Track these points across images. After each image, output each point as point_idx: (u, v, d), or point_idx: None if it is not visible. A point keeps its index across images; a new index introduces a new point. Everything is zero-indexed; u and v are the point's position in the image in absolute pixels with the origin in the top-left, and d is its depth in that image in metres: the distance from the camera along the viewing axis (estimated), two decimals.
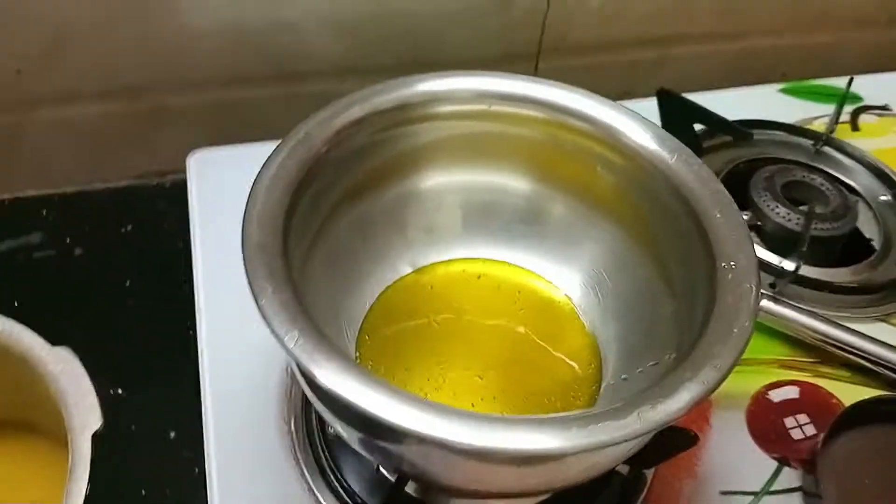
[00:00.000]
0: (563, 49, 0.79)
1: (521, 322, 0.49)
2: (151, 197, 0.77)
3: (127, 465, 0.57)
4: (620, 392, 0.45)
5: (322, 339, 0.33)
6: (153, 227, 0.74)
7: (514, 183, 0.48)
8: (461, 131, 0.46)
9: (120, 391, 0.62)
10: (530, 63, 0.80)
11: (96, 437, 0.43)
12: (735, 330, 0.36)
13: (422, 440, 0.31)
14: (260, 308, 0.34)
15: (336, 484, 0.46)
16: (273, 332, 0.33)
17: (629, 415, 0.32)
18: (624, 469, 0.48)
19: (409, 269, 0.49)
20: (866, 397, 0.50)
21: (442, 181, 0.47)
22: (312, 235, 0.43)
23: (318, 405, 0.38)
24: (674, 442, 0.45)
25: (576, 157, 0.45)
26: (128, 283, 0.69)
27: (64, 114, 0.71)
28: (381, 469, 0.45)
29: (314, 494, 0.45)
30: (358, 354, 0.45)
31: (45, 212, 0.73)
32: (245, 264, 0.35)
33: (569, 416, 0.32)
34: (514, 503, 0.44)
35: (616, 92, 0.76)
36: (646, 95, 0.69)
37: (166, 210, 0.75)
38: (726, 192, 0.42)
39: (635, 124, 0.44)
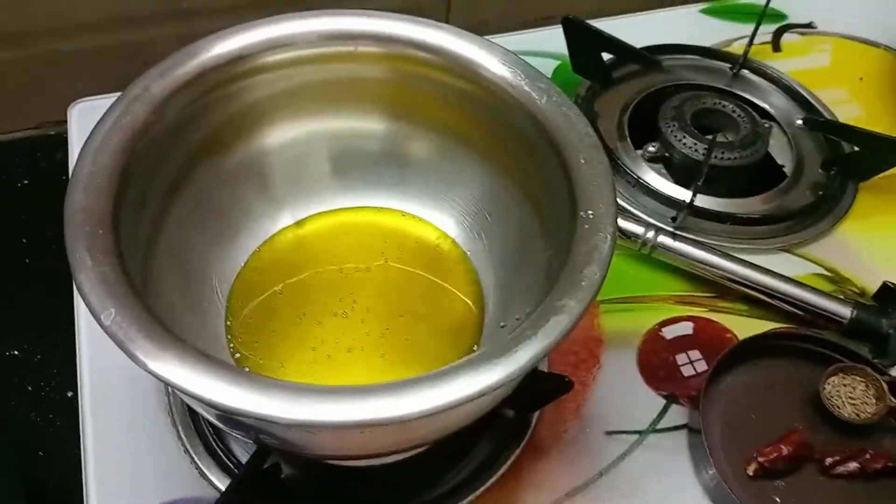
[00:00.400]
0: None
1: (406, 267, 0.48)
2: (49, 148, 0.74)
3: (23, 424, 0.57)
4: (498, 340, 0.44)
5: (143, 314, 0.32)
6: (51, 180, 0.71)
7: (375, 126, 0.46)
8: (311, 77, 0.43)
9: (16, 352, 0.61)
10: None
11: None
12: (583, 282, 0.35)
13: (239, 414, 0.30)
14: (77, 283, 0.32)
15: (215, 447, 0.45)
16: (89, 307, 0.31)
17: (461, 377, 0.31)
18: (510, 413, 0.48)
19: (283, 224, 0.48)
20: (755, 334, 0.50)
21: (301, 131, 0.45)
22: (167, 195, 0.41)
23: None
24: (551, 388, 0.44)
25: (433, 93, 0.43)
26: (24, 241, 0.67)
27: None
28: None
29: (191, 456, 0.45)
30: (229, 314, 0.44)
31: None
32: (65, 233, 0.33)
33: (401, 382, 0.31)
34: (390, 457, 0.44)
35: (537, 17, 0.74)
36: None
37: (65, 161, 0.73)
38: (594, 136, 0.40)
39: (498, 60, 0.42)
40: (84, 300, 0.32)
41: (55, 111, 0.73)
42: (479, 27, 0.69)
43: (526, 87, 0.42)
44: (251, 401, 0.29)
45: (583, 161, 0.39)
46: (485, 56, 0.42)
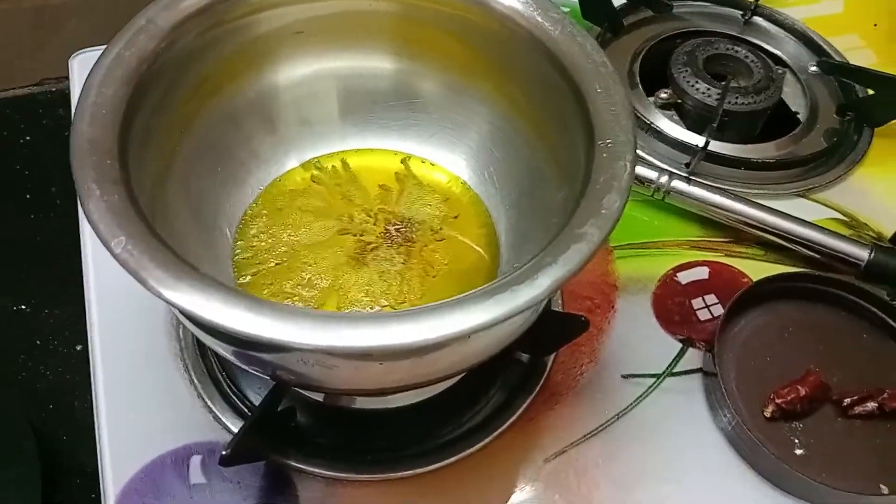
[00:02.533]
0: None
1: (417, 209, 0.47)
2: (51, 104, 0.73)
3: (33, 378, 0.57)
4: None
5: (154, 242, 0.31)
6: (54, 135, 0.71)
7: (383, 64, 0.45)
8: (319, 13, 0.42)
9: (24, 307, 0.60)
10: None
11: None
12: (603, 210, 0.34)
13: (258, 342, 0.29)
14: (86, 211, 0.31)
15: (228, 391, 0.44)
16: (98, 235, 0.31)
17: (485, 302, 0.31)
18: (524, 357, 0.48)
19: (291, 165, 0.47)
20: (768, 275, 0.49)
21: (309, 70, 0.44)
22: (175, 129, 0.40)
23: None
24: (567, 328, 0.44)
25: (444, 28, 0.42)
26: (28, 196, 0.67)
27: None
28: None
29: (204, 401, 0.44)
30: (236, 252, 0.43)
31: None
32: (72, 164, 0.32)
33: (423, 308, 0.31)
34: (403, 396, 0.43)
35: None
36: None
37: (67, 116, 0.72)
38: (610, 66, 0.39)
39: None
40: (93, 228, 0.31)
41: (56, 68, 0.72)
42: None
43: (538, 18, 0.41)
44: (271, 327, 0.28)
45: (599, 90, 0.38)
46: None
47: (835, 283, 0.50)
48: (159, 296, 0.30)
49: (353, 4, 0.42)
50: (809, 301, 0.50)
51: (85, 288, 0.48)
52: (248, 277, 0.43)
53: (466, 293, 0.32)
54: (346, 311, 0.40)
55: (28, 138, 0.68)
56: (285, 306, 0.30)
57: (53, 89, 0.71)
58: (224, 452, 0.36)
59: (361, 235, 0.46)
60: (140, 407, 0.44)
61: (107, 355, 0.46)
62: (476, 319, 0.30)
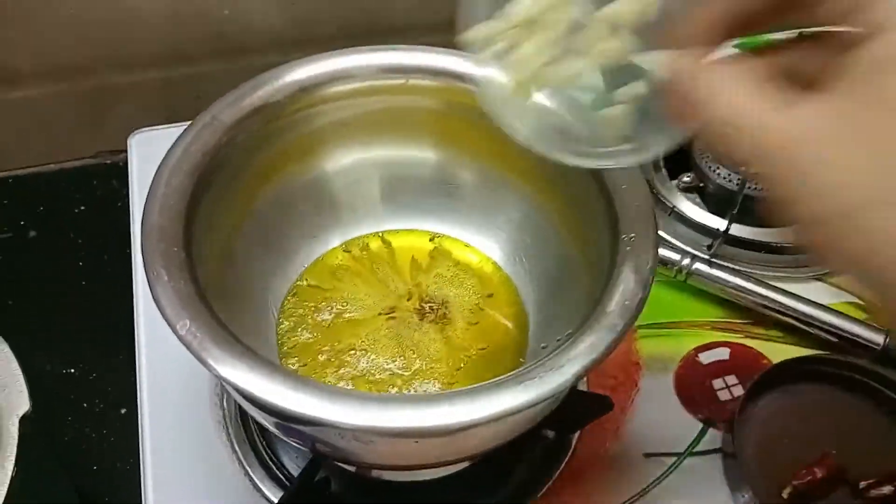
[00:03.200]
0: None
1: (451, 289, 0.50)
2: (105, 176, 0.77)
3: (78, 440, 0.59)
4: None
5: (215, 325, 0.34)
6: (107, 206, 0.74)
7: (423, 154, 0.48)
8: (367, 108, 0.46)
9: (72, 370, 0.63)
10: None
11: (25, 419, 0.44)
12: (626, 302, 0.36)
13: (305, 420, 0.32)
14: (154, 295, 0.34)
15: (267, 460, 0.47)
16: (165, 318, 0.34)
17: (515, 387, 0.33)
18: (550, 434, 0.49)
19: (333, 245, 0.50)
20: (787, 358, 0.51)
21: (357, 158, 0.48)
22: (233, 218, 0.44)
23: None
24: (592, 407, 0.46)
25: (479, 124, 0.45)
26: (81, 264, 0.70)
27: (7, 95, 0.72)
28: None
29: (245, 468, 0.47)
30: (279, 331, 0.46)
31: None
32: (142, 250, 0.36)
33: (458, 392, 0.33)
34: (433, 470, 0.45)
35: None
36: None
37: (120, 189, 0.76)
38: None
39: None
40: (161, 311, 0.34)
41: (111, 141, 0.77)
42: None
43: None
44: (318, 407, 0.31)
45: (624, 187, 0.41)
46: None
47: (851, 366, 0.52)
48: (218, 375, 0.32)
49: (397, 100, 0.46)
50: (827, 384, 0.52)
51: (136, 358, 0.51)
52: (289, 351, 0.46)
53: (498, 378, 0.34)
54: (385, 392, 0.43)
55: (83, 208, 0.72)
56: (331, 388, 0.33)
57: (108, 162, 0.76)
58: None
59: (398, 313, 0.48)
60: (184, 472, 0.47)
61: (154, 423, 0.49)
62: (506, 404, 0.32)
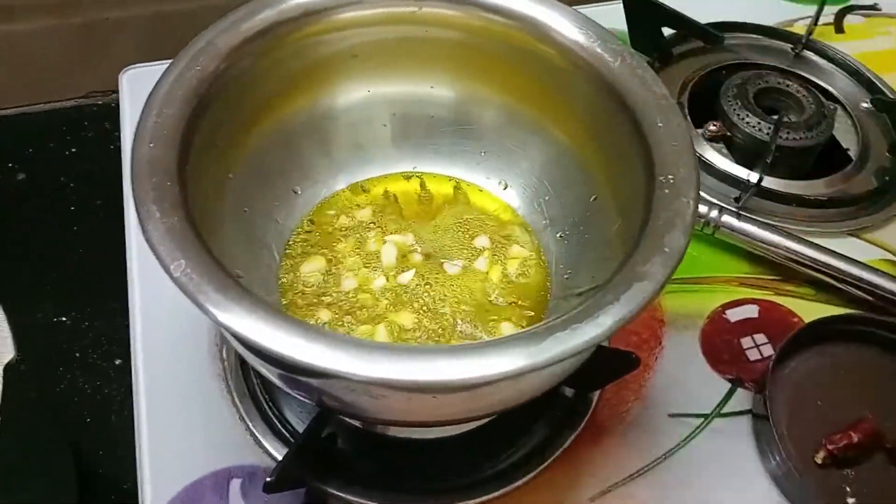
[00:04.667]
0: None
1: (466, 236, 0.46)
2: (97, 118, 0.74)
3: (71, 391, 0.57)
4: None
5: (213, 266, 0.31)
6: (99, 149, 0.71)
7: (438, 91, 0.45)
8: (377, 37, 0.42)
9: (64, 318, 0.61)
10: None
11: (10, 368, 0.41)
12: (666, 248, 0.33)
13: (313, 372, 0.29)
14: (145, 233, 0.31)
15: (270, 414, 0.44)
16: (158, 258, 0.30)
17: (543, 341, 0.30)
18: (569, 392, 0.47)
19: (340, 186, 0.46)
20: (821, 317, 0.48)
21: (364, 94, 0.44)
22: (231, 149, 0.40)
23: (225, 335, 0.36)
24: (616, 365, 0.43)
25: (504, 58, 0.42)
26: (73, 209, 0.67)
27: None
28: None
29: (246, 423, 0.44)
30: (282, 273, 0.43)
31: None
32: (132, 185, 0.32)
33: (479, 344, 0.30)
34: (447, 428, 0.43)
35: None
36: None
37: (112, 131, 0.72)
38: (670, 99, 0.39)
39: (571, 23, 0.41)
40: (153, 251, 0.31)
41: (103, 81, 0.73)
42: None
43: (598, 50, 0.40)
44: (327, 356, 0.28)
45: (660, 124, 0.38)
46: (556, 17, 0.41)
47: (890, 326, 0.49)
48: (216, 321, 0.29)
49: (410, 30, 0.42)
50: (864, 343, 0.49)
51: (129, 305, 0.48)
52: (292, 297, 0.43)
53: (526, 329, 0.31)
54: (400, 343, 0.40)
55: (73, 150, 0.69)
56: (341, 336, 0.30)
57: (100, 102, 0.72)
58: (268, 479, 0.36)
59: (408, 260, 0.45)
60: (181, 427, 0.44)
61: (149, 373, 0.46)
62: (535, 357, 0.29)
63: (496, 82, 0.44)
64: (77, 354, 0.57)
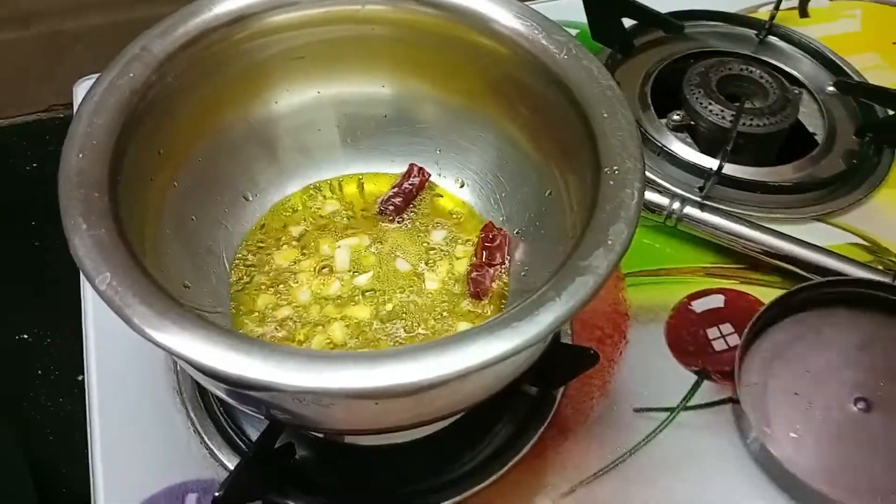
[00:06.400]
0: None
1: (423, 236, 0.46)
2: (58, 131, 0.73)
3: (32, 408, 0.56)
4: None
5: (140, 279, 0.30)
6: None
7: (384, 90, 0.44)
8: (316, 39, 0.41)
9: (26, 336, 0.60)
10: None
11: None
12: (609, 241, 0.32)
13: (244, 383, 0.28)
14: (71, 246, 0.30)
15: (226, 426, 0.43)
16: (83, 272, 0.30)
17: (478, 342, 0.29)
18: (532, 390, 0.46)
19: (292, 191, 0.46)
20: (784, 291, 0.47)
21: (309, 97, 0.43)
22: (170, 160, 0.39)
23: None
24: (575, 361, 0.42)
25: (450, 53, 0.41)
26: (33, 223, 0.66)
27: None
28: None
29: (201, 436, 0.43)
30: (233, 283, 0.42)
31: None
32: (59, 196, 0.32)
33: (415, 347, 0.29)
34: (407, 432, 0.42)
35: None
36: None
37: None
38: (617, 90, 0.38)
39: (514, 14, 0.40)
40: (78, 264, 0.30)
41: (64, 94, 0.72)
42: None
43: (543, 41, 0.40)
44: (254, 367, 0.27)
45: (605, 115, 0.37)
46: (498, 10, 0.40)
47: (852, 282, 0.48)
48: (141, 333, 0.28)
49: (352, 31, 0.41)
50: (829, 307, 0.48)
51: (83, 318, 0.47)
52: (243, 307, 0.42)
53: (465, 330, 0.30)
54: (338, 350, 0.39)
55: (35, 165, 0.68)
56: (273, 346, 0.29)
57: (62, 115, 0.71)
58: (217, 494, 0.35)
59: (364, 261, 0.44)
60: (136, 441, 0.43)
61: (103, 387, 0.45)
62: (473, 359, 0.29)
63: (444, 79, 0.43)
64: (39, 372, 0.56)
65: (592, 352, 0.41)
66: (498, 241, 0.43)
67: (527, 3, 0.67)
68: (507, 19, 0.40)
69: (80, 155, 0.33)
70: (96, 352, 0.46)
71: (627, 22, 0.63)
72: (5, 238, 0.64)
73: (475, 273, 0.43)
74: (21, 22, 0.68)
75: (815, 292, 0.48)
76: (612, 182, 0.35)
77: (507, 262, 0.43)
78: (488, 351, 0.29)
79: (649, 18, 0.63)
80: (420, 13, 0.41)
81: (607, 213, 0.34)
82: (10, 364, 0.56)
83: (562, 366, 0.42)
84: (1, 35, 0.68)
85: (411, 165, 0.45)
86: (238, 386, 0.30)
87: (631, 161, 0.35)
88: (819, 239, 0.53)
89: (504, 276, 0.43)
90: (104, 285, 0.29)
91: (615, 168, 0.35)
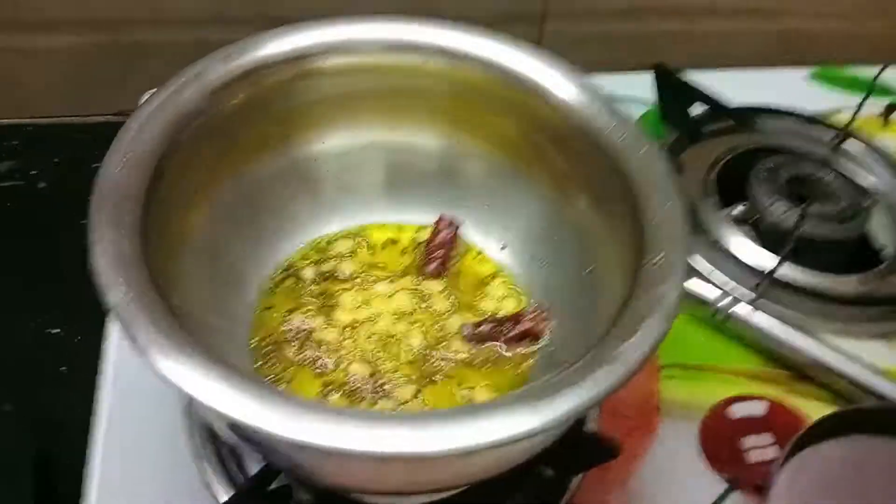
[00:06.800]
0: (573, 13, 0.73)
1: (455, 294, 0.44)
2: None
3: (63, 402, 0.55)
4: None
5: (156, 301, 0.29)
6: None
7: (433, 142, 0.43)
8: (373, 85, 0.41)
9: (58, 330, 0.60)
10: (533, 26, 0.74)
11: None
12: (643, 332, 0.30)
13: (239, 426, 0.27)
14: (91, 254, 0.30)
15: (223, 454, 0.42)
16: (98, 281, 0.29)
17: (489, 417, 0.27)
18: (549, 472, 0.43)
19: (334, 229, 0.45)
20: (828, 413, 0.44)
21: (358, 140, 0.43)
22: (209, 186, 0.39)
23: None
24: (592, 451, 0.40)
25: (499, 113, 0.40)
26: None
27: (38, 43, 0.69)
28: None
29: (201, 462, 0.42)
30: (257, 323, 0.41)
31: (15, 141, 0.72)
32: (91, 205, 0.31)
33: (423, 414, 0.28)
34: (410, 498, 0.40)
35: (629, 65, 0.70)
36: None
37: None
38: (671, 177, 0.36)
39: (574, 85, 0.39)
40: (94, 273, 0.29)
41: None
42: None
43: (603, 117, 0.38)
44: (242, 408, 0.26)
45: (656, 203, 0.35)
46: (560, 80, 0.39)
47: None
48: (146, 356, 0.28)
49: (410, 82, 0.41)
50: (877, 435, 0.44)
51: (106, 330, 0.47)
52: (261, 342, 0.41)
53: (478, 404, 0.28)
54: (342, 406, 0.38)
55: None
56: (270, 388, 0.28)
57: None
58: None
59: (393, 313, 0.43)
60: (133, 460, 0.42)
61: (114, 397, 0.44)
62: (478, 437, 0.27)
63: (497, 140, 0.42)
64: (62, 369, 0.56)
65: (613, 445, 0.39)
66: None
67: (605, 74, 0.67)
68: (567, 91, 0.39)
69: (121, 168, 0.33)
70: (114, 358, 0.46)
71: (699, 107, 0.62)
72: (57, 231, 0.65)
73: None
74: (100, 28, 0.70)
75: (866, 417, 0.44)
76: (653, 272, 0.33)
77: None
78: (498, 429, 0.27)
79: (717, 110, 0.61)
80: (480, 73, 0.40)
81: (644, 303, 0.32)
82: (36, 358, 0.57)
83: (578, 453, 0.40)
84: (80, 38, 0.71)
85: (440, 218, 0.44)
86: (222, 420, 0.29)
87: (676, 253, 0.33)
88: (877, 359, 0.49)
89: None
90: (117, 299, 0.28)
91: (660, 257, 0.33)
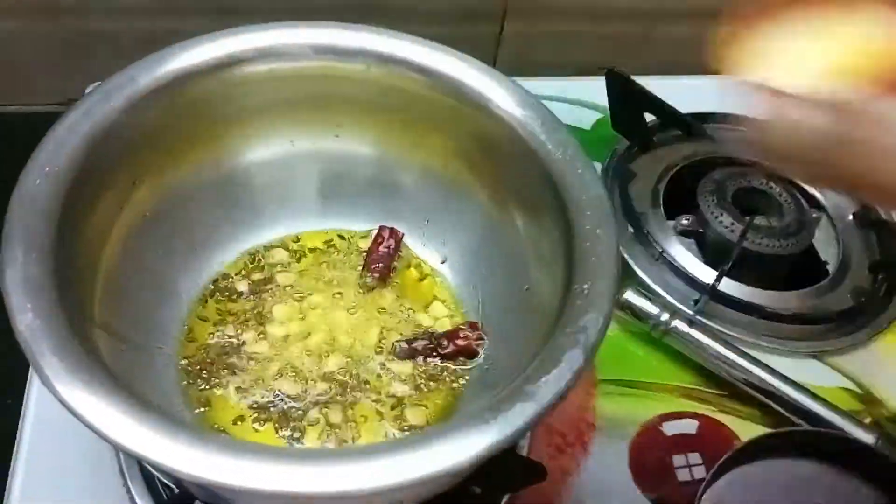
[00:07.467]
0: (533, 11, 0.72)
1: (390, 301, 0.44)
2: None
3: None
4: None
5: (64, 327, 0.28)
6: None
7: (368, 150, 0.43)
8: (305, 92, 0.40)
9: None
10: (495, 25, 0.73)
11: None
12: (562, 365, 0.30)
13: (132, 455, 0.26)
14: (1, 278, 0.29)
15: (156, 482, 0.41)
16: (7, 306, 0.28)
17: (416, 451, 0.27)
18: (476, 489, 0.44)
19: (268, 239, 0.44)
20: (758, 435, 0.44)
21: (287, 149, 0.42)
22: (133, 202, 0.38)
23: None
24: (521, 473, 0.40)
25: (438, 125, 0.40)
26: None
27: None
28: None
29: (125, 479, 0.41)
30: (185, 340, 0.41)
31: None
32: (6, 220, 0.30)
33: (344, 451, 0.28)
34: None
35: (591, 66, 0.70)
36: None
37: None
38: (608, 203, 0.36)
39: (515, 101, 0.38)
40: (5, 297, 0.29)
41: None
42: (529, 68, 0.65)
43: (542, 135, 0.38)
44: (145, 441, 0.25)
45: (587, 227, 0.35)
46: (501, 93, 0.39)
47: (830, 437, 0.45)
48: (48, 386, 0.27)
49: (343, 89, 0.40)
50: (817, 460, 0.45)
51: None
52: (190, 357, 0.40)
53: (398, 440, 0.28)
54: (269, 428, 0.37)
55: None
56: (174, 421, 0.27)
57: None
58: None
59: (328, 327, 0.43)
60: (57, 475, 0.41)
61: (39, 412, 0.43)
62: (374, 481, 0.27)
63: (434, 151, 0.42)
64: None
65: (540, 468, 0.39)
66: None
67: (560, 79, 0.66)
68: (508, 105, 0.38)
69: (38, 181, 0.32)
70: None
71: (650, 116, 0.62)
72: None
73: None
74: (49, 14, 0.68)
75: (793, 440, 0.45)
76: (579, 301, 0.33)
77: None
78: (393, 473, 0.27)
79: (669, 118, 0.61)
80: (423, 85, 0.39)
81: (567, 335, 0.32)
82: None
83: (506, 475, 0.40)
84: (27, 25, 0.69)
85: (381, 227, 0.43)
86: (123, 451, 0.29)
87: (604, 283, 0.33)
88: (810, 377, 0.50)
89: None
90: (23, 325, 0.28)
91: (585, 287, 0.33)
